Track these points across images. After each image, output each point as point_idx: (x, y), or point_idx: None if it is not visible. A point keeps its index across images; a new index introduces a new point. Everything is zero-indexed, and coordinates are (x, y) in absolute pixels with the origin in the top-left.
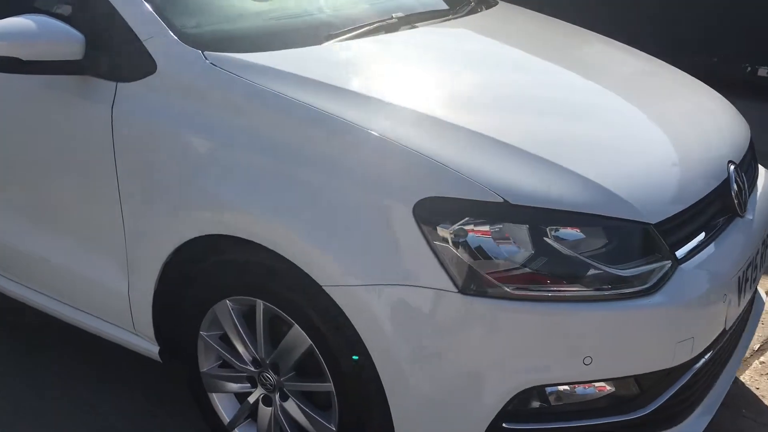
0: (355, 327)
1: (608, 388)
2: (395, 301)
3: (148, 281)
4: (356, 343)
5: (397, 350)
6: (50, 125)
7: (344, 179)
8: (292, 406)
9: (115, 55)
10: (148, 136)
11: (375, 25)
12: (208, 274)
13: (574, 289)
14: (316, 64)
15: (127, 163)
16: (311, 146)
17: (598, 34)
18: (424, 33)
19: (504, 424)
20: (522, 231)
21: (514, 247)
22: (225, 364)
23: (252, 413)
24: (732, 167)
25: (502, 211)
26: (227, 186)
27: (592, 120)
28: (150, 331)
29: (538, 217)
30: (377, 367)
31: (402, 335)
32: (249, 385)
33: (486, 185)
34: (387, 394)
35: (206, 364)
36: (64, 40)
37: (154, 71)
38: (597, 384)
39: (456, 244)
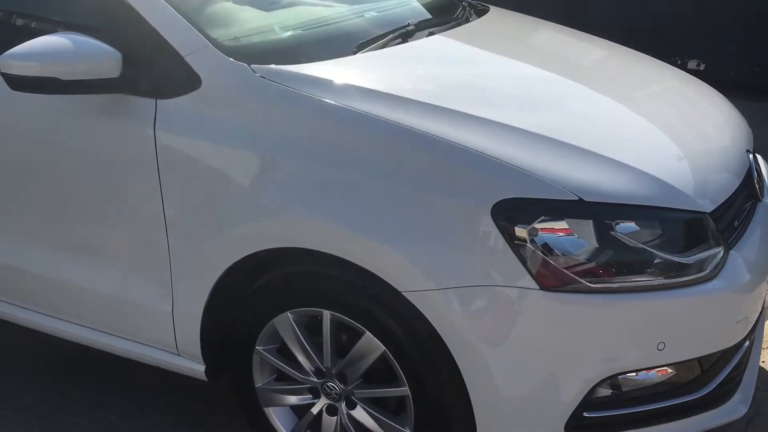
0: (437, 330)
1: (674, 371)
2: (477, 302)
3: (197, 301)
4: (436, 347)
5: (481, 351)
6: (86, 147)
7: (421, 186)
8: (360, 414)
9: (153, 72)
10: (196, 153)
11: (398, 32)
12: (267, 289)
13: (645, 279)
14: (361, 73)
15: (173, 182)
16: (380, 156)
17: (596, 37)
18: (445, 39)
19: (585, 413)
20: (595, 226)
21: (588, 242)
22: (281, 377)
23: (312, 424)
24: (750, 155)
25: (576, 208)
26: (292, 199)
27: (628, 121)
28: (196, 350)
29: (609, 212)
30: (460, 369)
31: (485, 335)
32: (311, 396)
33: (560, 185)
34: (470, 395)
35: (261, 379)
36: (102, 58)
37: (199, 86)
38: (666, 368)
39: (534, 243)
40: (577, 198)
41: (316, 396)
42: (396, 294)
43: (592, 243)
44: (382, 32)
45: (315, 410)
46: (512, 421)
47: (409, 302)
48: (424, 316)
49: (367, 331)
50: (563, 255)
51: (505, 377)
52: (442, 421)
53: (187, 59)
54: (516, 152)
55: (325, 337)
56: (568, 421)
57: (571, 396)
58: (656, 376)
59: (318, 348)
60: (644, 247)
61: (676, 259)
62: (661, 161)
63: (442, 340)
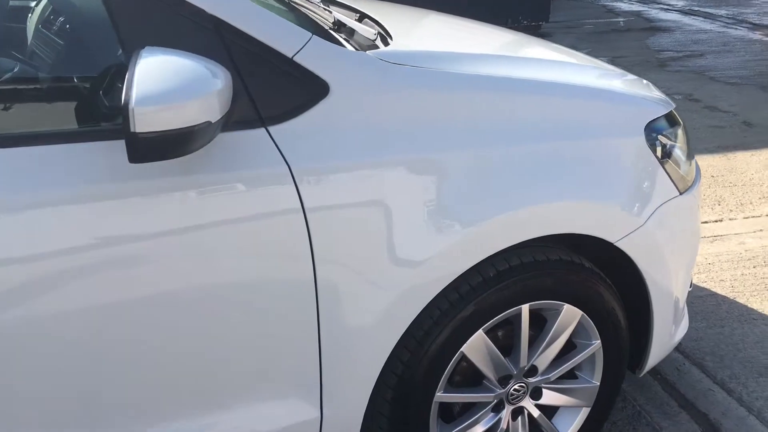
0: (637, 263)
1: None
2: (657, 223)
3: (363, 378)
4: (634, 283)
5: (667, 264)
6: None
7: (583, 134)
8: (548, 396)
9: (250, 90)
10: (353, 185)
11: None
12: (457, 319)
13: None
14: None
15: (329, 239)
16: (541, 115)
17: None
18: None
19: None
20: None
21: (680, 146)
22: (448, 419)
23: None
24: None
25: (674, 118)
26: (493, 193)
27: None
28: None
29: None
30: (650, 293)
31: (666, 250)
32: (493, 414)
33: (662, 102)
34: (654, 318)
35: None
36: (224, 82)
37: (326, 93)
38: None
39: (667, 154)
40: (673, 106)
41: (499, 411)
42: (605, 247)
43: (683, 146)
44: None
45: (504, 424)
46: (679, 317)
47: (619, 249)
48: (628, 257)
49: (564, 304)
50: (677, 161)
51: (676, 282)
52: (621, 360)
53: (301, 60)
54: (613, 84)
55: (524, 334)
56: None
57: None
58: None
59: (506, 353)
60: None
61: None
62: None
63: (640, 274)
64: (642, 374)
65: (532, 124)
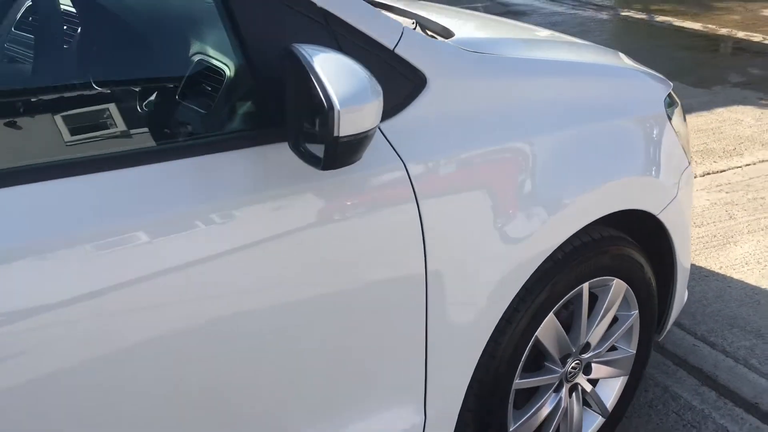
0: (671, 236)
1: None
2: (682, 193)
3: (462, 375)
4: (664, 253)
5: (687, 232)
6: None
7: (625, 111)
8: (597, 370)
9: None
10: (460, 176)
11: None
12: (536, 303)
13: None
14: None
15: (439, 236)
16: (600, 96)
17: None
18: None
19: None
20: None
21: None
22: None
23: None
24: None
25: (671, 94)
26: (576, 177)
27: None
28: None
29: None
30: (676, 256)
31: (686, 218)
32: (554, 394)
33: (664, 80)
34: (677, 279)
35: (514, 419)
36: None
37: (424, 85)
38: None
39: (673, 126)
40: (671, 87)
41: (559, 390)
42: (647, 219)
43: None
44: None
45: (565, 403)
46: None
47: (659, 221)
48: (664, 228)
49: (615, 279)
50: (679, 134)
51: (689, 249)
52: (652, 327)
53: (401, 52)
54: (620, 61)
55: (584, 311)
56: None
57: None
58: None
59: (568, 331)
60: None
61: None
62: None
63: (670, 243)
64: (662, 337)
65: (593, 104)
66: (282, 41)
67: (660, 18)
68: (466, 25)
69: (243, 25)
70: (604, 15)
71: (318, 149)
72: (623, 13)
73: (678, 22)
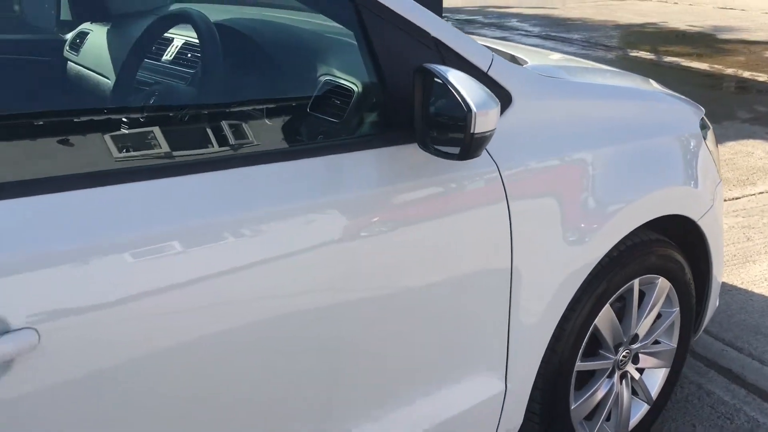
0: (708, 242)
1: None
2: (716, 201)
3: (536, 354)
4: (700, 258)
5: (721, 238)
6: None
7: (676, 131)
8: (644, 360)
9: None
10: (541, 181)
11: None
12: (596, 294)
13: None
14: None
15: (525, 230)
16: (647, 118)
17: None
18: None
19: None
20: None
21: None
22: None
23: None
24: None
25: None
26: (627, 185)
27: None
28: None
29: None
30: (711, 258)
31: (720, 227)
32: (608, 380)
33: (698, 105)
34: (713, 275)
35: (575, 399)
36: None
37: (510, 102)
38: None
39: (709, 145)
40: (704, 112)
41: (612, 376)
42: (689, 225)
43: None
44: None
45: (616, 388)
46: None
47: (698, 227)
48: (702, 234)
49: (660, 277)
50: (712, 154)
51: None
52: (691, 325)
53: (492, 75)
54: (663, 90)
55: (635, 304)
56: None
57: None
58: None
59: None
60: None
61: None
62: None
63: (707, 248)
64: (697, 336)
65: (641, 123)
66: (406, 63)
67: (668, 59)
68: (529, 55)
69: (379, 51)
70: (612, 55)
71: (448, 147)
72: (632, 54)
73: (685, 62)
